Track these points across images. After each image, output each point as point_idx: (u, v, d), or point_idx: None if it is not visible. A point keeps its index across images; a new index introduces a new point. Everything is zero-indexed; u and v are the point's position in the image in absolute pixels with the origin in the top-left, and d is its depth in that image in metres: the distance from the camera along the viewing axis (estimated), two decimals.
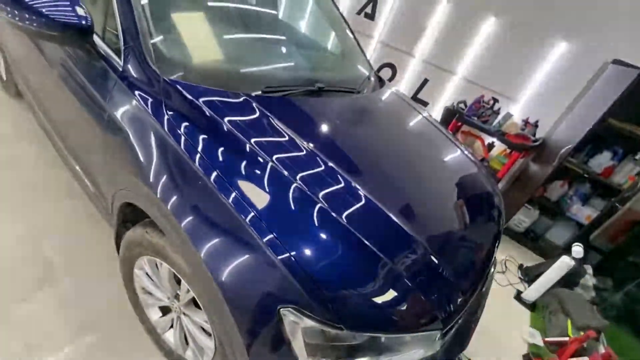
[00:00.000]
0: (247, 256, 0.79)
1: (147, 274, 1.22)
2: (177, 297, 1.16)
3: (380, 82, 1.92)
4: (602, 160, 2.60)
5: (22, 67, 1.83)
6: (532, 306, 2.34)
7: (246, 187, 0.87)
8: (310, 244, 0.81)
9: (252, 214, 0.81)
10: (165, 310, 1.29)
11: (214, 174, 0.87)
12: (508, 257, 2.76)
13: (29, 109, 2.30)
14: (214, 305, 0.88)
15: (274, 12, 1.87)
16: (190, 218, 0.85)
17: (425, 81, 3.55)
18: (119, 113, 1.03)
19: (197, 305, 1.11)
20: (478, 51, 3.17)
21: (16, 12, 0.99)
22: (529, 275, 2.56)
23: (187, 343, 1.22)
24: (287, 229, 0.82)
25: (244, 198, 0.84)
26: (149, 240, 1.05)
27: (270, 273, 0.77)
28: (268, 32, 1.73)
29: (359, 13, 3.69)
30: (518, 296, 2.39)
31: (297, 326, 0.75)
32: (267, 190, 0.88)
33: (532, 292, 2.35)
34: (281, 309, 0.76)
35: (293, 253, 0.77)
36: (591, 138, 2.40)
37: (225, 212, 0.83)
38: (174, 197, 0.89)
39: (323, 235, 0.84)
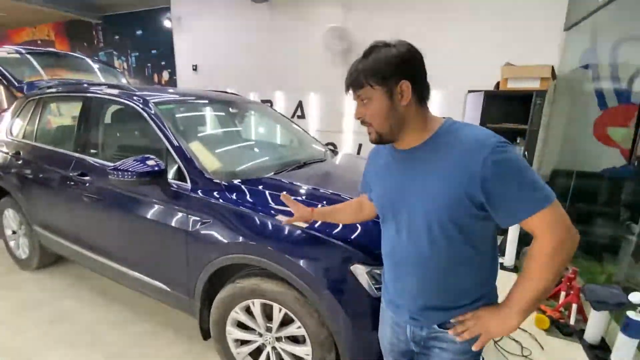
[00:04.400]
0: (320, 248, 1.34)
1: (238, 325, 1.59)
2: (268, 329, 1.54)
3: (333, 152, 2.74)
4: None
5: (64, 229, 2.24)
6: (515, 269, 2.92)
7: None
8: (347, 226, 1.38)
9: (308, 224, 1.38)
10: (256, 354, 1.62)
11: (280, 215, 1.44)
12: None
13: (49, 277, 2.60)
14: (307, 301, 1.34)
15: (257, 130, 2.98)
16: (282, 244, 1.38)
17: (360, 145, 4.56)
18: (200, 213, 1.58)
19: (283, 325, 1.50)
20: None
21: (119, 173, 1.57)
22: (501, 249, 3.19)
23: None
24: (329, 223, 1.38)
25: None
26: (242, 287, 1.49)
27: (337, 251, 1.32)
28: (262, 142, 2.75)
29: (292, 116, 4.80)
30: (502, 267, 2.96)
31: (363, 272, 1.27)
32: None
33: (508, 259, 2.96)
34: (350, 267, 1.28)
35: (342, 234, 1.34)
36: None
37: (294, 230, 1.38)
38: (268, 237, 1.43)
39: None
